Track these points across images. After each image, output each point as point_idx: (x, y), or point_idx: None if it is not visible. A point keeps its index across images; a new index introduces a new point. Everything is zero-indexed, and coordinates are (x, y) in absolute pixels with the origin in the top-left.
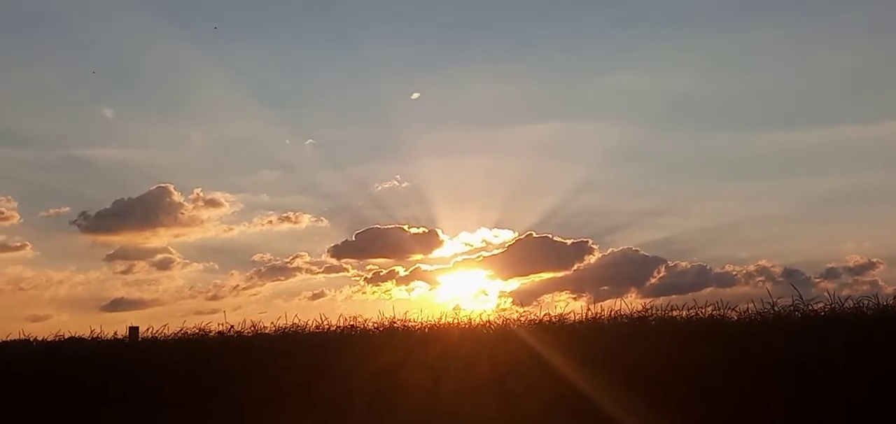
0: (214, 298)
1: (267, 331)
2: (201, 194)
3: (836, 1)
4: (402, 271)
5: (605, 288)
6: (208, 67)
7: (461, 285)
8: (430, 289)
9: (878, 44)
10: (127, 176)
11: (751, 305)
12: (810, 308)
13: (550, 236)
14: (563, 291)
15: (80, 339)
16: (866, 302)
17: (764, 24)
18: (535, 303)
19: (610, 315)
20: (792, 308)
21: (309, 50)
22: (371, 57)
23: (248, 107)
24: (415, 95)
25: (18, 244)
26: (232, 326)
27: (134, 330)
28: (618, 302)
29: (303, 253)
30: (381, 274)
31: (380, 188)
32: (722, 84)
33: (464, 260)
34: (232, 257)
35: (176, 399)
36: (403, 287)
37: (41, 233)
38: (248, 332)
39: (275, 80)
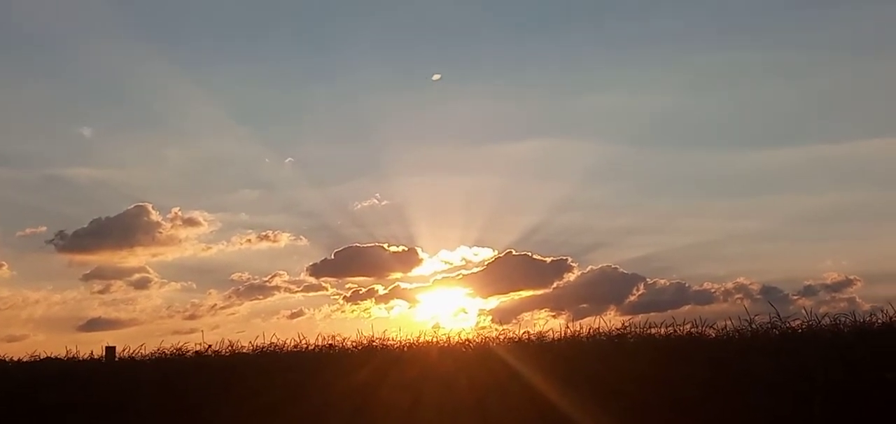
0: (192, 317)
1: (245, 351)
2: (179, 213)
3: (815, 22)
4: (381, 289)
5: (585, 305)
6: (187, 86)
7: (441, 303)
8: (410, 308)
9: (856, 63)
10: (104, 195)
11: (729, 322)
12: (788, 325)
13: (530, 254)
14: (542, 309)
15: (57, 359)
16: (843, 319)
17: (743, 45)
18: (514, 321)
19: (588, 333)
20: (769, 325)
21: (289, 69)
22: (351, 75)
23: (227, 126)
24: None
25: None
26: (210, 346)
27: (111, 350)
28: (597, 320)
29: (281, 272)
30: (361, 292)
31: (359, 206)
32: (701, 104)
33: (443, 278)
34: (210, 276)
35: (153, 419)
36: (383, 305)
37: (17, 253)
38: (226, 352)
39: (254, 99)
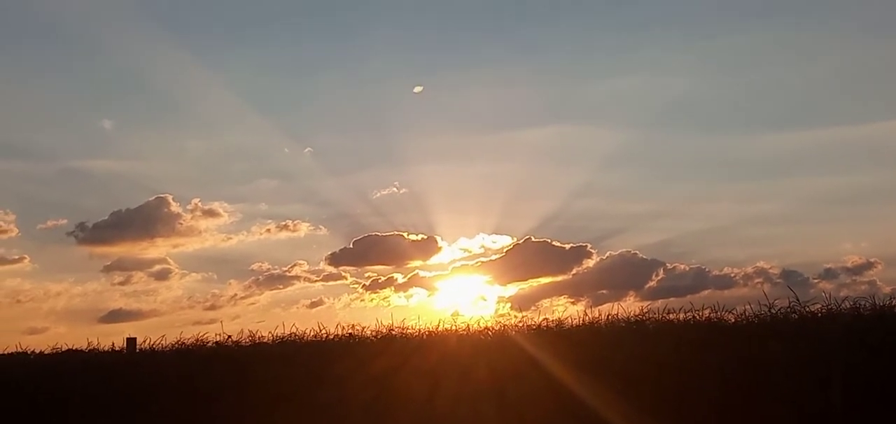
0: (213, 308)
1: (265, 341)
2: (199, 204)
3: (833, 2)
4: (400, 278)
5: (604, 291)
6: (206, 77)
7: (460, 291)
8: (429, 296)
9: (875, 44)
10: (124, 187)
11: (748, 307)
12: (807, 309)
13: (549, 241)
14: (561, 296)
15: (78, 351)
16: (863, 302)
17: (761, 26)
18: (533, 308)
19: (607, 319)
20: (789, 309)
21: (307, 57)
22: (369, 63)
23: (246, 116)
24: (417, 89)
25: (16, 256)
26: (230, 336)
27: (132, 342)
28: (615, 307)
29: (301, 262)
30: (380, 281)
31: (378, 195)
32: (719, 86)
33: (462, 265)
34: (230, 266)
35: (174, 410)
36: (402, 294)
37: (39, 245)
38: (246, 342)
39: (272, 88)
